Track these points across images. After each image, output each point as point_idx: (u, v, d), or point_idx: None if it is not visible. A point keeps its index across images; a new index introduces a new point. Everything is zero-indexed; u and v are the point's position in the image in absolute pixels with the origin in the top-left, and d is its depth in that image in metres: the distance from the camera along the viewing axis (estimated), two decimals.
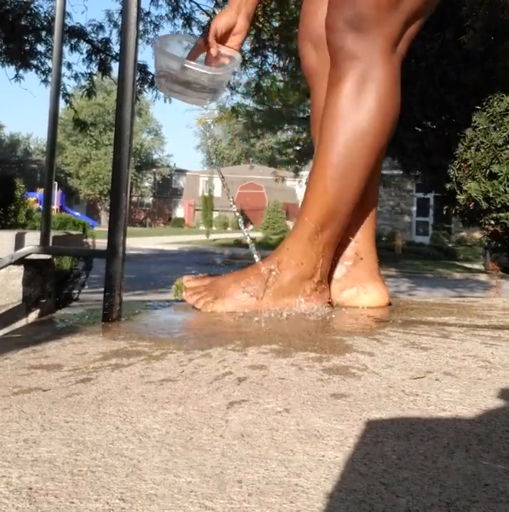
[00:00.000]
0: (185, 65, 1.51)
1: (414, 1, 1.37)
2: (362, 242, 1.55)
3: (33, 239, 1.53)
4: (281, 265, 1.44)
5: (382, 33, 1.37)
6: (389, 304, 1.58)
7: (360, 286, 1.54)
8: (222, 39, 1.56)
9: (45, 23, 7.01)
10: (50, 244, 1.54)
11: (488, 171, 1.87)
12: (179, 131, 77.67)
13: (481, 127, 1.87)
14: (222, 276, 1.55)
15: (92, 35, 7.27)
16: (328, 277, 1.53)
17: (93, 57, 7.29)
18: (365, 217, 1.56)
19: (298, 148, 16.49)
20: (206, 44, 1.55)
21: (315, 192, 1.43)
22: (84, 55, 7.29)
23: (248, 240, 1.58)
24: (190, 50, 1.58)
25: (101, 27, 7.31)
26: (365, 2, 1.36)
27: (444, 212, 2.16)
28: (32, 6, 6.98)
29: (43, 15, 7.12)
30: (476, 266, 14.24)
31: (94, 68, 7.36)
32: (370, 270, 1.55)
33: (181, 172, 44.61)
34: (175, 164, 47.03)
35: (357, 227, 1.55)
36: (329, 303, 1.50)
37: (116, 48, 7.18)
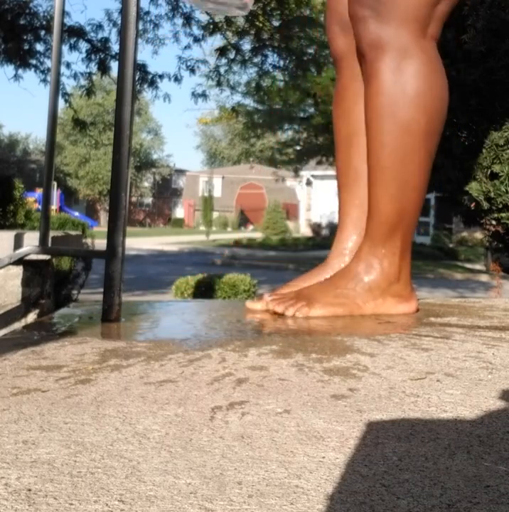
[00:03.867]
0: None
1: None
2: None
3: (32, 239, 1.52)
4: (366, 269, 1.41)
5: (407, 15, 1.29)
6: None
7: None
8: None
9: (44, 23, 7.01)
10: (49, 245, 1.53)
11: (489, 171, 1.87)
12: (179, 131, 77.74)
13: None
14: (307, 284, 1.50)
15: (92, 34, 7.27)
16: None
17: (92, 57, 7.29)
18: None
19: (298, 148, 16.51)
20: None
21: (377, 197, 1.38)
22: (84, 55, 7.30)
23: None
24: None
25: (100, 26, 7.31)
26: None
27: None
28: (31, 5, 6.98)
29: (41, 14, 7.13)
30: (477, 266, 14.25)
31: (93, 68, 7.36)
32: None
33: (181, 172, 44.63)
34: (174, 164, 47.07)
35: None
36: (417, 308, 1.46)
37: (115, 48, 7.19)
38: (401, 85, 1.31)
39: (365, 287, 1.40)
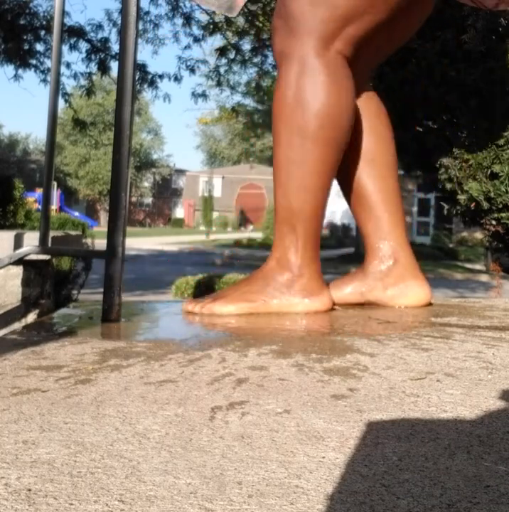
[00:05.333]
0: None
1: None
2: (397, 240, 1.54)
3: (32, 239, 1.53)
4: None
5: (308, 28, 1.37)
6: (430, 304, 1.57)
7: (403, 284, 1.53)
8: None
9: (44, 23, 7.00)
10: (49, 245, 1.53)
11: (489, 171, 1.87)
12: (179, 131, 77.74)
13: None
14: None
15: (91, 34, 7.26)
16: (371, 276, 1.53)
17: (92, 57, 7.28)
18: (396, 213, 1.55)
19: None
20: None
21: (275, 195, 1.46)
22: (84, 55, 7.29)
23: None
24: None
25: (100, 26, 7.30)
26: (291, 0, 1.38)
27: (445, 212, 2.15)
28: (31, 5, 6.97)
29: (41, 14, 7.11)
30: (477, 266, 14.25)
31: (93, 68, 7.36)
32: (410, 268, 1.54)
33: (181, 172, 44.62)
34: (174, 164, 47.05)
35: (390, 225, 1.54)
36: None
37: (115, 48, 7.18)
38: (297, 91, 1.39)
39: (270, 285, 1.43)
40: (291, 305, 1.42)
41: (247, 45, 7.83)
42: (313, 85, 1.39)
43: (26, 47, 7.13)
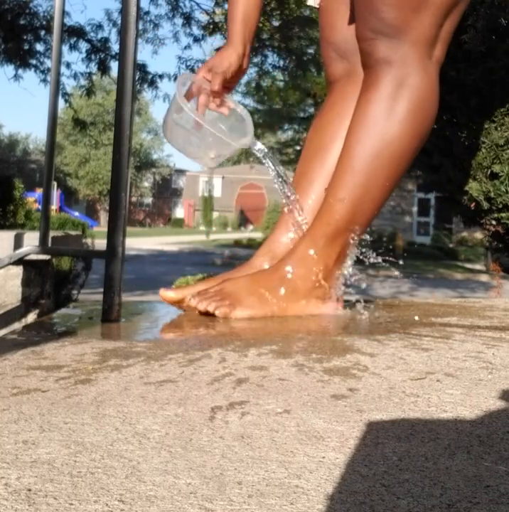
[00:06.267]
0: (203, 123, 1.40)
1: None
2: None
3: (32, 239, 1.53)
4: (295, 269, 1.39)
5: (414, 36, 1.33)
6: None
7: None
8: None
9: (44, 23, 7.01)
10: (49, 245, 1.54)
11: (489, 171, 1.87)
12: None
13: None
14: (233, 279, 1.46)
15: (91, 34, 7.28)
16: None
17: (92, 57, 7.29)
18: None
19: (298, 148, 16.54)
20: (213, 93, 1.47)
21: (334, 198, 1.38)
22: (84, 55, 7.30)
23: None
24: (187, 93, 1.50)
25: (100, 26, 7.31)
26: (386, 7, 1.32)
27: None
28: (31, 5, 6.98)
29: (41, 14, 7.13)
30: (477, 266, 14.27)
31: (93, 68, 7.37)
32: None
33: (181, 172, 44.63)
34: (174, 164, 47.09)
35: None
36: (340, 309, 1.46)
37: (115, 47, 7.19)
38: (397, 101, 1.35)
39: (289, 289, 1.38)
40: (308, 310, 1.40)
41: None
42: (414, 100, 1.35)
43: (26, 47, 7.14)
